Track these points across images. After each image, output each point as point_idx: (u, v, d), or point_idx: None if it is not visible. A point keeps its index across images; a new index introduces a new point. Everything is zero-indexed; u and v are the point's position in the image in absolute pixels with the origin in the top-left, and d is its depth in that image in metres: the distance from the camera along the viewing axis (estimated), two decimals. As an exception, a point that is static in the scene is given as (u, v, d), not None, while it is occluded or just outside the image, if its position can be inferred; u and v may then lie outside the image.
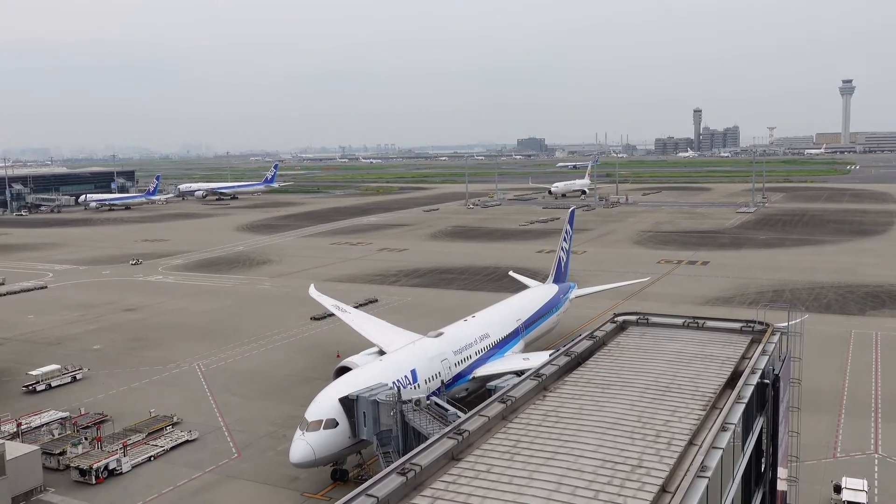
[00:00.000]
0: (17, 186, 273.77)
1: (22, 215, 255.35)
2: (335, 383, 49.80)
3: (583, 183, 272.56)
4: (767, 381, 29.13)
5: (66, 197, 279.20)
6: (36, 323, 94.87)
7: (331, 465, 47.99)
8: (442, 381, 54.84)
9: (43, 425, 58.01)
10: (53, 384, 69.41)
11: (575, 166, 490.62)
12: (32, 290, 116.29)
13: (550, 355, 31.90)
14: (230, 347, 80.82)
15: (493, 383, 53.41)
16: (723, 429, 23.60)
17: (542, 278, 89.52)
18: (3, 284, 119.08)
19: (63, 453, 52.66)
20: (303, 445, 45.26)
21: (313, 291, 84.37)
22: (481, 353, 61.05)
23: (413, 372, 52.43)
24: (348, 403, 46.30)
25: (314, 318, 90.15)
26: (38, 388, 68.47)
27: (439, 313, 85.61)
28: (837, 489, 42.93)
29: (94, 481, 49.75)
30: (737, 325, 34.71)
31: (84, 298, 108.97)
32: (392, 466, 21.67)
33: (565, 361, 30.59)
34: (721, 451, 22.35)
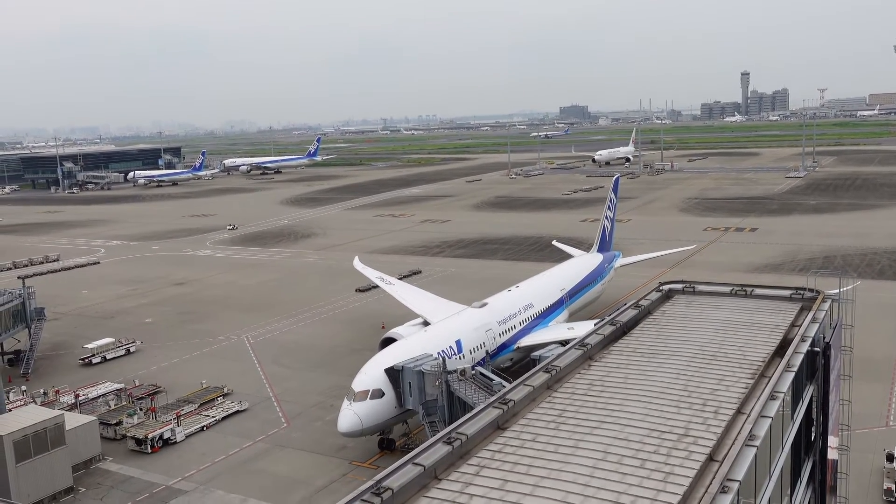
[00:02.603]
0: (69, 165, 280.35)
1: (73, 193, 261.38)
2: (381, 354, 50.36)
3: (627, 150, 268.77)
4: (818, 350, 28.56)
5: (115, 174, 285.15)
6: (90, 298, 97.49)
7: (378, 434, 48.70)
8: (486, 352, 55.05)
9: (99, 396, 59.95)
10: (108, 357, 71.51)
11: (547, 136, 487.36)
12: (86, 265, 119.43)
13: (595, 325, 31.69)
14: (277, 319, 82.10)
15: (537, 353, 53.49)
16: (771, 397, 23.26)
17: (586, 247, 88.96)
18: (57, 261, 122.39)
19: (119, 423, 54.33)
20: (350, 415, 45.94)
21: (358, 263, 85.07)
22: (525, 323, 61.08)
23: (458, 342, 52.72)
24: (394, 374, 46.81)
25: (359, 290, 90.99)
26: (94, 360, 70.61)
27: (483, 284, 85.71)
28: (890, 458, 42.20)
29: (149, 450, 51.32)
30: (786, 293, 34.03)
31: (135, 273, 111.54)
32: (438, 435, 21.83)
33: (610, 331, 30.37)
34: (770, 419, 22.03)
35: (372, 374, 47.55)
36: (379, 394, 46.52)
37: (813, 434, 29.22)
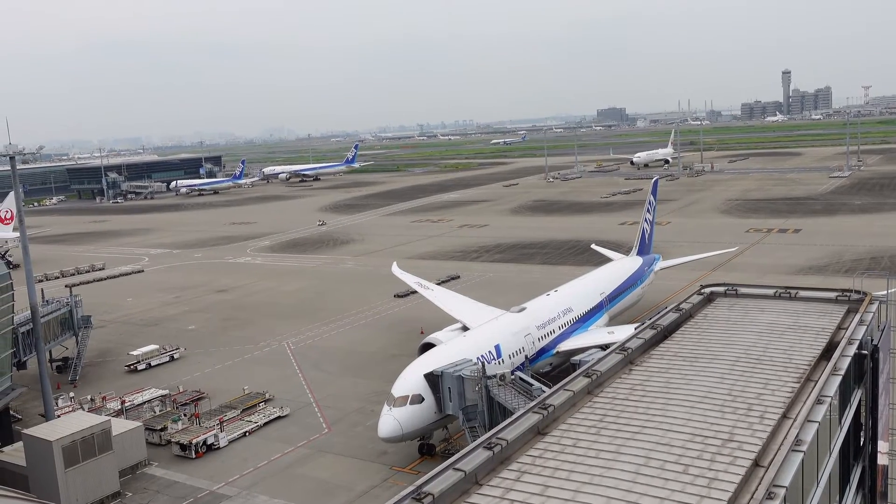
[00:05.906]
0: (113, 175, 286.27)
1: (117, 202, 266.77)
2: (420, 359, 50.40)
3: (665, 152, 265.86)
4: (865, 352, 27.99)
5: (157, 184, 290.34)
6: (134, 305, 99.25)
7: (418, 439, 48.73)
8: (526, 356, 54.85)
9: (145, 402, 60.88)
10: (153, 363, 72.68)
11: (506, 142, 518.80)
12: (130, 273, 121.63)
13: (635, 328, 31.41)
14: (317, 325, 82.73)
15: (577, 357, 53.21)
16: (818, 401, 22.83)
17: (625, 251, 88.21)
18: (103, 269, 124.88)
19: (164, 429, 55.21)
20: (390, 420, 46.07)
21: (396, 269, 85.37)
22: (565, 328, 60.70)
23: (497, 347, 52.60)
24: (433, 379, 46.83)
25: (397, 296, 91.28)
26: (139, 367, 71.82)
27: (521, 288, 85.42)
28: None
29: (193, 455, 51.99)
30: (832, 295, 33.40)
31: (178, 281, 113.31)
32: (478, 441, 21.81)
33: (651, 335, 30.06)
34: (817, 424, 21.63)
35: (411, 379, 47.63)
36: (419, 399, 46.59)
37: (862, 439, 28.62)
